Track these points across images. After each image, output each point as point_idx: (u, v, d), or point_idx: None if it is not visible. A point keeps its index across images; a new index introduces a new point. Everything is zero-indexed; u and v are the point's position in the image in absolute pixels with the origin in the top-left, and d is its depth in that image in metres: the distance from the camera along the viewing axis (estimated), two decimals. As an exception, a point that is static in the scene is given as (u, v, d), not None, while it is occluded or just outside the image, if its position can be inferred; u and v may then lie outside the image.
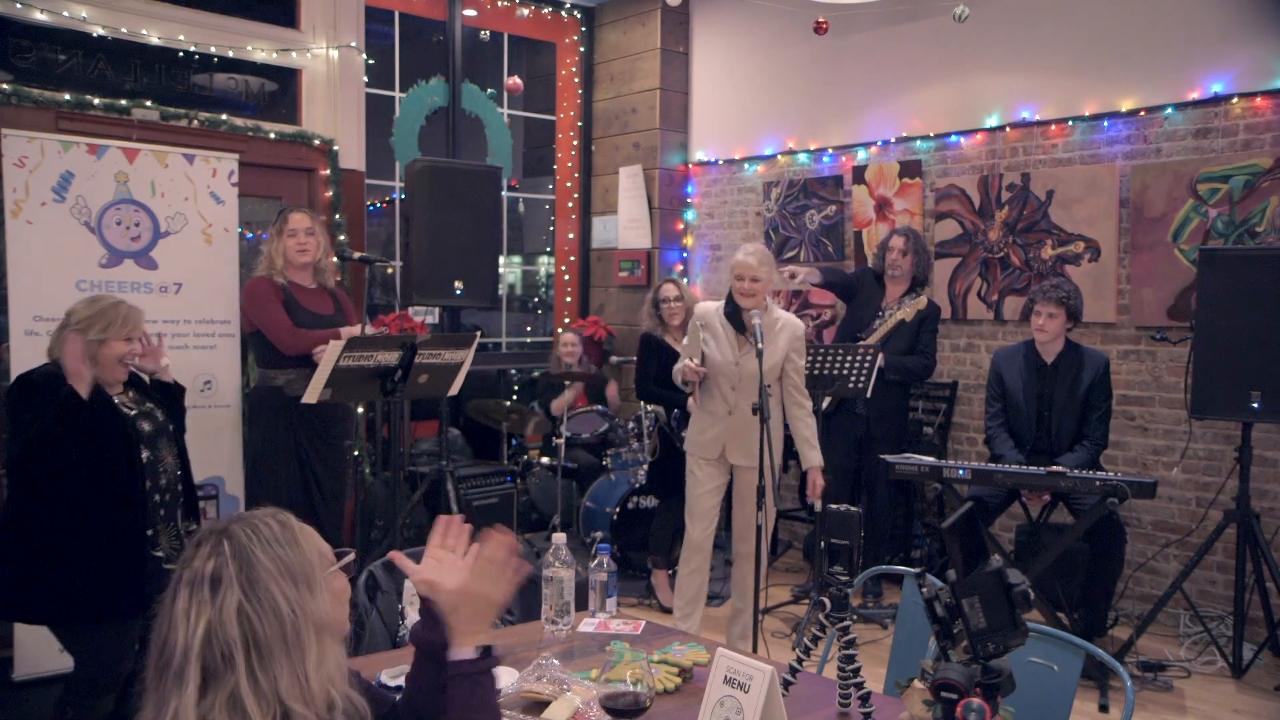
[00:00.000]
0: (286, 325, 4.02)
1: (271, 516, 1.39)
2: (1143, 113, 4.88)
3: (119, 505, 3.02)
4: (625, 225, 7.07)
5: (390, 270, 6.42)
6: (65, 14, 4.91)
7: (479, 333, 4.46)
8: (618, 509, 5.42)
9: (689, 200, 7.07)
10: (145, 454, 3.10)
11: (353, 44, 5.81)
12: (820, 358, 4.47)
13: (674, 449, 5.00)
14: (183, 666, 1.27)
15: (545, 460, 6.09)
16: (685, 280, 7.03)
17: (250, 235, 5.44)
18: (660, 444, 5.08)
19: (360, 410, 5.54)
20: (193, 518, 3.28)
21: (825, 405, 5.00)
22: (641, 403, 5.84)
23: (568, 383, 5.95)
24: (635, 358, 5.21)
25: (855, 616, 2.03)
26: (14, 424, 2.95)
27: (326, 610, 1.37)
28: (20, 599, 2.98)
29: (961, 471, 4.20)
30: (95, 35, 5.02)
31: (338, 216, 5.60)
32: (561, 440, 5.65)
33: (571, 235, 7.41)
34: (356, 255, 4.55)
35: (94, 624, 2.97)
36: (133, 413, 3.12)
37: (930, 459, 4.36)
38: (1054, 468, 4.03)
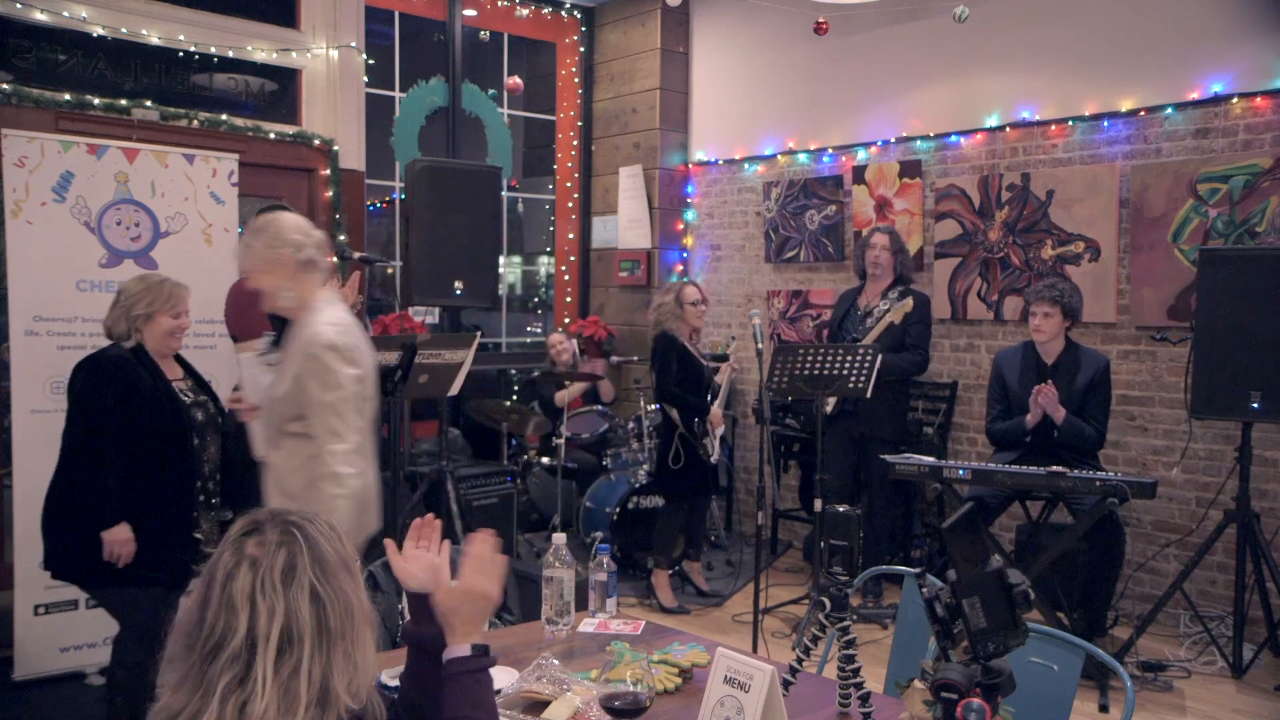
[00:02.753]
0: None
1: (316, 515, 1.42)
2: (1143, 113, 4.88)
3: (172, 486, 3.27)
4: (625, 225, 7.07)
5: (390, 270, 6.42)
6: (65, 14, 4.91)
7: (479, 333, 4.47)
8: (618, 509, 5.43)
9: (689, 200, 7.07)
10: (194, 441, 3.36)
11: (353, 44, 5.82)
12: (820, 358, 4.47)
13: (694, 454, 4.99)
14: (242, 649, 1.27)
15: (545, 460, 6.09)
16: (686, 280, 7.04)
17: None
18: (681, 449, 5.02)
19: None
20: (229, 506, 3.52)
21: (831, 409, 5.00)
22: (641, 403, 5.85)
23: (567, 382, 5.96)
24: (651, 358, 5.16)
25: (855, 616, 2.03)
26: (82, 402, 3.18)
27: (369, 605, 1.41)
28: (74, 563, 3.23)
29: (961, 472, 4.20)
30: (95, 35, 5.02)
31: (337, 216, 5.60)
32: (561, 440, 5.65)
33: (571, 235, 7.41)
34: (356, 255, 4.54)
35: (138, 589, 3.19)
36: (189, 401, 3.38)
37: (930, 459, 4.36)
38: (1054, 468, 4.03)
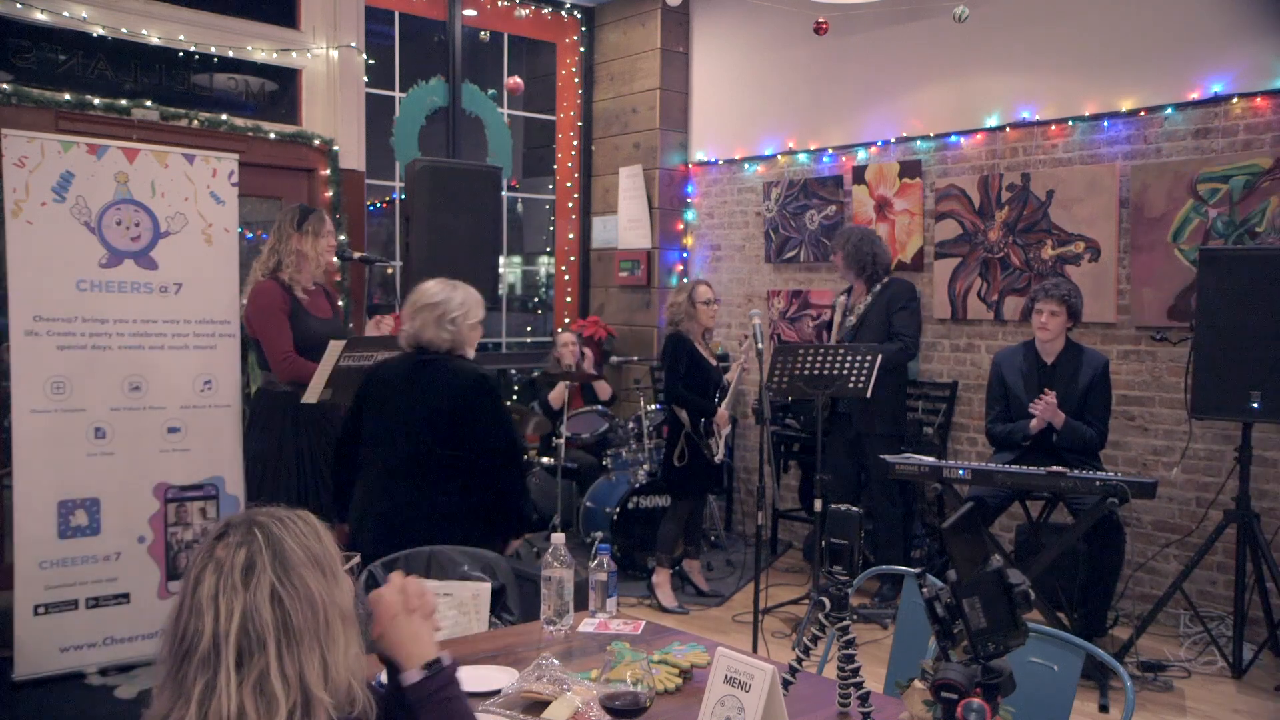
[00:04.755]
0: (285, 350, 3.93)
1: (294, 512, 1.41)
2: (1143, 113, 4.88)
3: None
4: (625, 225, 7.07)
5: (390, 270, 6.42)
6: (65, 14, 4.92)
7: (479, 333, 4.46)
8: (618, 509, 5.43)
9: (689, 200, 7.07)
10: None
11: (353, 44, 5.82)
12: (820, 358, 4.47)
13: (699, 454, 5.00)
14: (209, 652, 1.27)
15: (545, 460, 6.09)
16: (686, 280, 7.04)
17: (250, 235, 5.45)
18: (687, 448, 5.04)
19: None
20: None
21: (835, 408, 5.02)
22: (641, 403, 5.85)
23: (565, 383, 5.96)
24: (661, 358, 5.16)
25: (855, 616, 2.03)
26: (504, 420, 3.23)
27: (350, 601, 1.40)
28: None
29: (961, 472, 4.20)
30: (95, 35, 5.02)
31: (338, 216, 5.60)
32: (561, 440, 5.65)
33: (571, 235, 7.41)
34: (356, 255, 4.54)
35: None
36: None
37: (930, 459, 4.36)
38: (1054, 468, 4.03)
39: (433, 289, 3.22)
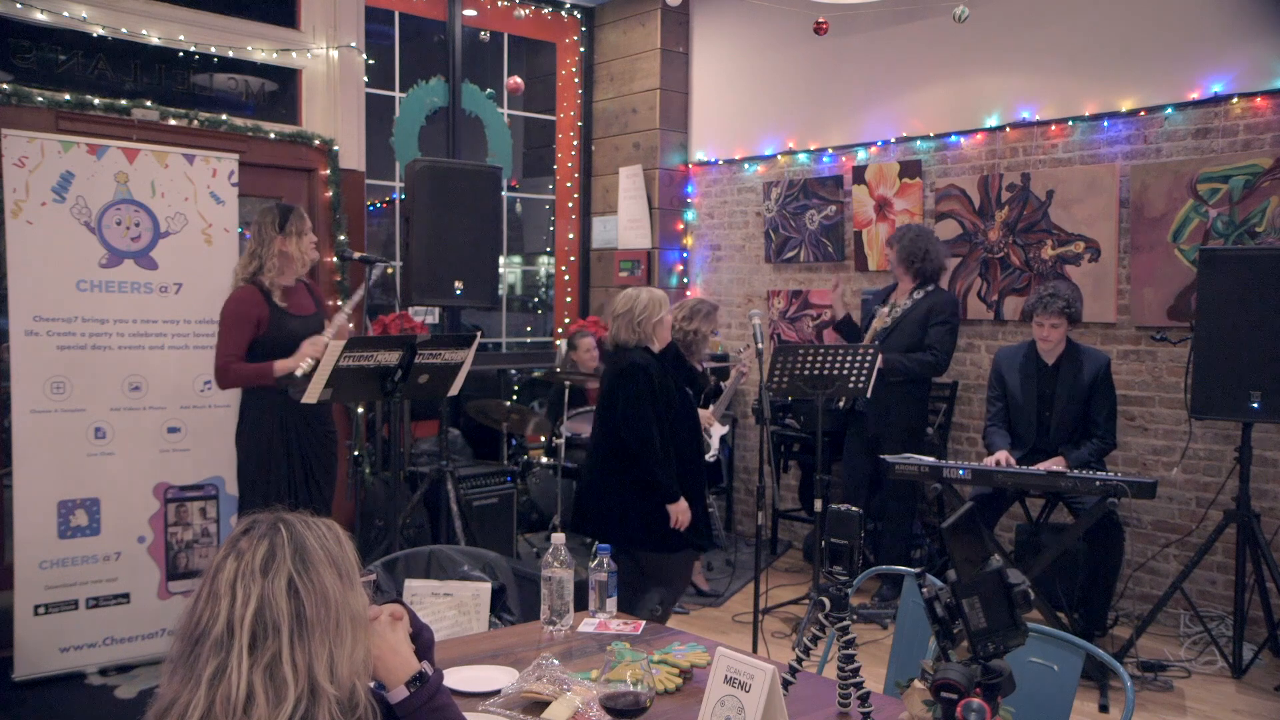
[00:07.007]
0: (229, 354, 3.83)
1: (320, 518, 1.46)
2: (1143, 113, 4.88)
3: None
4: (625, 225, 7.07)
5: (390, 270, 6.42)
6: (65, 14, 4.91)
7: (479, 333, 4.46)
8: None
9: (689, 200, 7.07)
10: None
11: (353, 44, 5.82)
12: (820, 357, 4.47)
13: None
14: (223, 635, 1.31)
15: (545, 460, 6.09)
16: (685, 280, 7.05)
17: (250, 235, 5.44)
18: None
19: (360, 410, 5.54)
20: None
21: (840, 404, 5.01)
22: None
23: (567, 382, 5.94)
24: None
25: (855, 616, 2.03)
26: (638, 402, 3.66)
27: (364, 607, 1.44)
28: (631, 531, 3.74)
29: (961, 471, 4.20)
30: (95, 35, 5.02)
31: (337, 216, 5.60)
32: (561, 440, 5.65)
33: (571, 235, 7.41)
34: (356, 255, 4.53)
35: (674, 553, 3.82)
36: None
37: (930, 459, 4.36)
38: (1054, 468, 4.03)
39: (623, 297, 3.75)
